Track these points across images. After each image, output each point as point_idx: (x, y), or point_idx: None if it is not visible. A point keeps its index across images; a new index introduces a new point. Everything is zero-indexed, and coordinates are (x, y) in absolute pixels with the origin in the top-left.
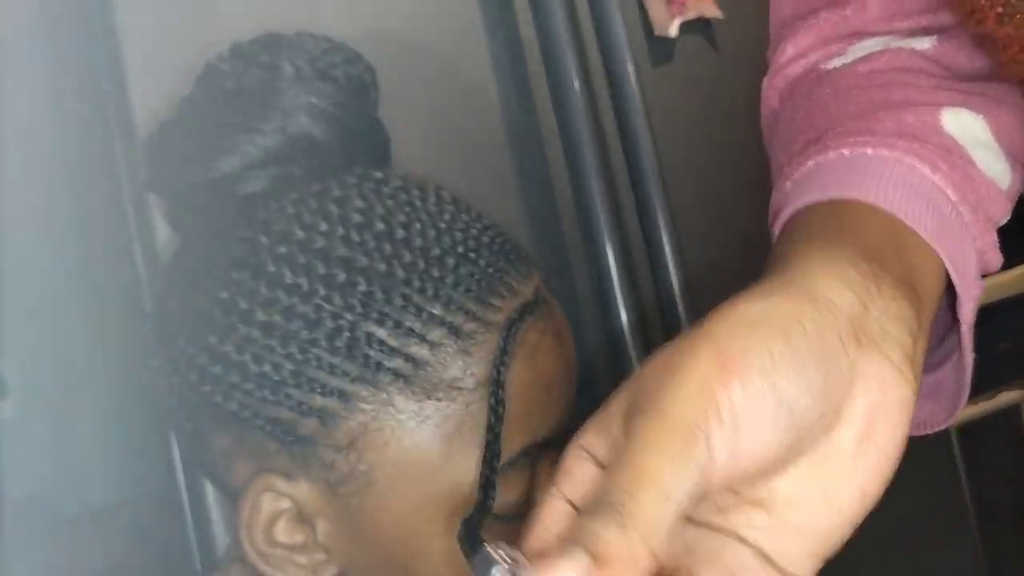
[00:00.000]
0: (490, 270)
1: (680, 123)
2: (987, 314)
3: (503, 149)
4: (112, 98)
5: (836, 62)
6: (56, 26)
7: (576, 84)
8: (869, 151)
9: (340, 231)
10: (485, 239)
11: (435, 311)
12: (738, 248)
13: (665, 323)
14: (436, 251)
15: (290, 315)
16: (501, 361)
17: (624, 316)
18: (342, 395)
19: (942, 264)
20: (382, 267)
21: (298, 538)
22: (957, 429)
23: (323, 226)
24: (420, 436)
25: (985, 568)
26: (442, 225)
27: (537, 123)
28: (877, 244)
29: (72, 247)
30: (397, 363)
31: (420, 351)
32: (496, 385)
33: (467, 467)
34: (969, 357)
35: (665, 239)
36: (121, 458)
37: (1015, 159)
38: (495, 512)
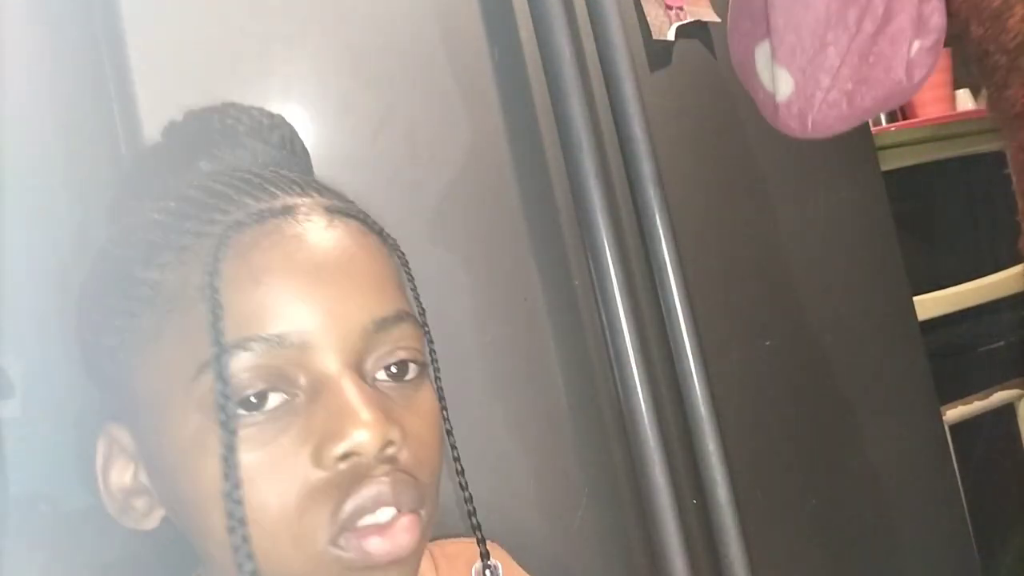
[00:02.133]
0: (222, 193)
1: (677, 125)
2: (981, 314)
3: (502, 150)
4: (117, 98)
5: None
6: (58, 20)
7: (575, 87)
8: None
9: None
10: (248, 173)
11: (169, 237)
12: (736, 249)
13: (664, 325)
14: (186, 195)
15: (97, 268)
16: (213, 262)
17: (623, 318)
18: (116, 330)
19: None
20: (153, 216)
21: (128, 480)
22: (952, 428)
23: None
24: (159, 348)
25: (978, 562)
26: (219, 167)
27: (536, 125)
28: None
29: (76, 247)
30: (141, 290)
31: (154, 275)
32: (210, 286)
33: (191, 368)
34: None
35: (663, 240)
36: None
37: None
38: (240, 403)
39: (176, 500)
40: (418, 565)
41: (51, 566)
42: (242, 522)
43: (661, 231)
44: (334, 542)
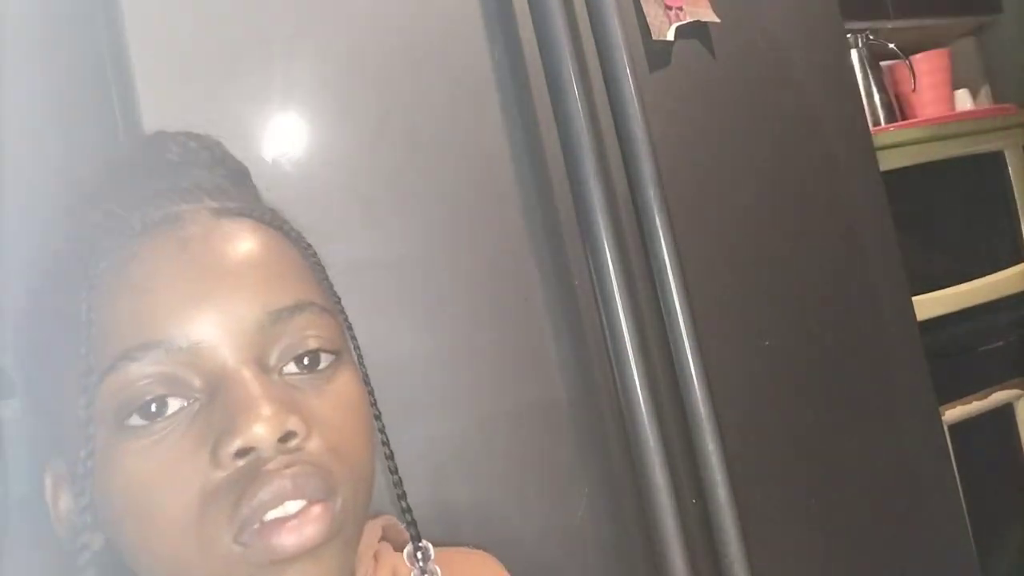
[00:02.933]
0: (115, 212)
1: (677, 126)
2: (980, 314)
3: (503, 151)
4: (118, 99)
5: None
6: (59, 20)
7: (574, 87)
8: None
9: None
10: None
11: (74, 264)
12: (736, 249)
13: (664, 325)
14: (96, 213)
15: (36, 306)
16: (83, 279)
17: (623, 318)
18: (49, 362)
19: None
20: (63, 245)
21: (72, 509)
22: (951, 428)
23: None
24: (71, 372)
25: (977, 562)
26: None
27: (536, 125)
28: None
29: None
30: (56, 317)
31: (64, 302)
32: (85, 301)
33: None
34: None
35: (663, 240)
36: None
37: None
38: (128, 423)
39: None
40: (342, 559)
41: (51, 566)
42: (85, 547)
43: (661, 231)
44: (237, 540)
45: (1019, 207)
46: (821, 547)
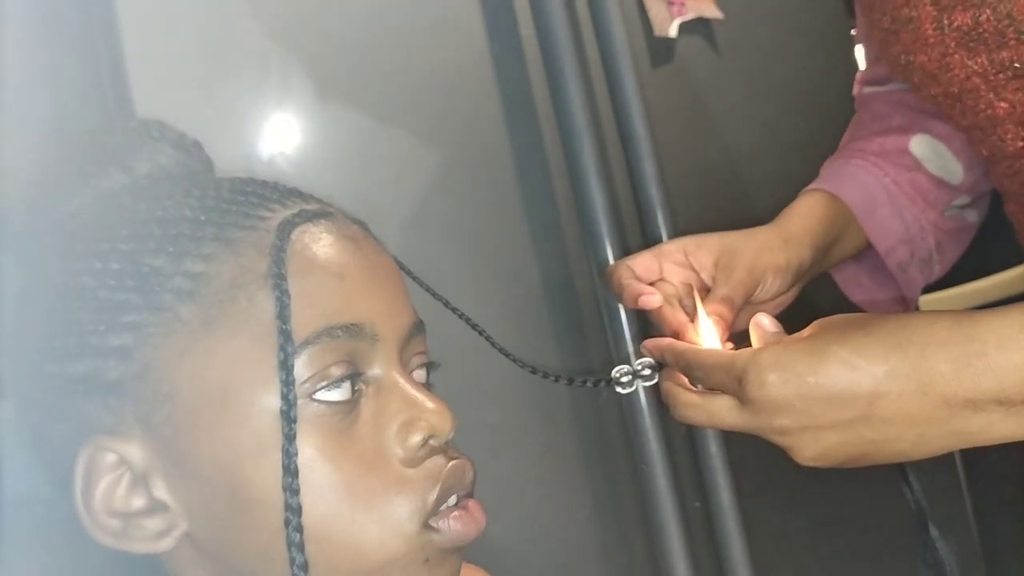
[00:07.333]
0: (259, 194)
1: (679, 123)
2: None
3: (503, 149)
4: (114, 97)
5: (870, 90)
6: (55, 17)
7: (576, 84)
8: (853, 162)
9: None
10: (260, 183)
11: (207, 230)
12: None
13: None
14: (214, 194)
15: (77, 266)
16: (279, 251)
17: (624, 316)
18: (133, 327)
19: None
20: (173, 214)
21: (138, 502)
22: None
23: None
24: (211, 339)
25: (983, 564)
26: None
27: (537, 123)
28: (823, 215)
29: None
30: (176, 282)
31: (195, 266)
32: (277, 275)
33: (263, 357)
34: (898, 277)
35: (664, 238)
36: None
37: (970, 165)
38: (316, 397)
39: (216, 507)
40: None
41: (49, 568)
42: (298, 512)
43: (663, 229)
44: (428, 524)
45: None
46: (823, 549)
